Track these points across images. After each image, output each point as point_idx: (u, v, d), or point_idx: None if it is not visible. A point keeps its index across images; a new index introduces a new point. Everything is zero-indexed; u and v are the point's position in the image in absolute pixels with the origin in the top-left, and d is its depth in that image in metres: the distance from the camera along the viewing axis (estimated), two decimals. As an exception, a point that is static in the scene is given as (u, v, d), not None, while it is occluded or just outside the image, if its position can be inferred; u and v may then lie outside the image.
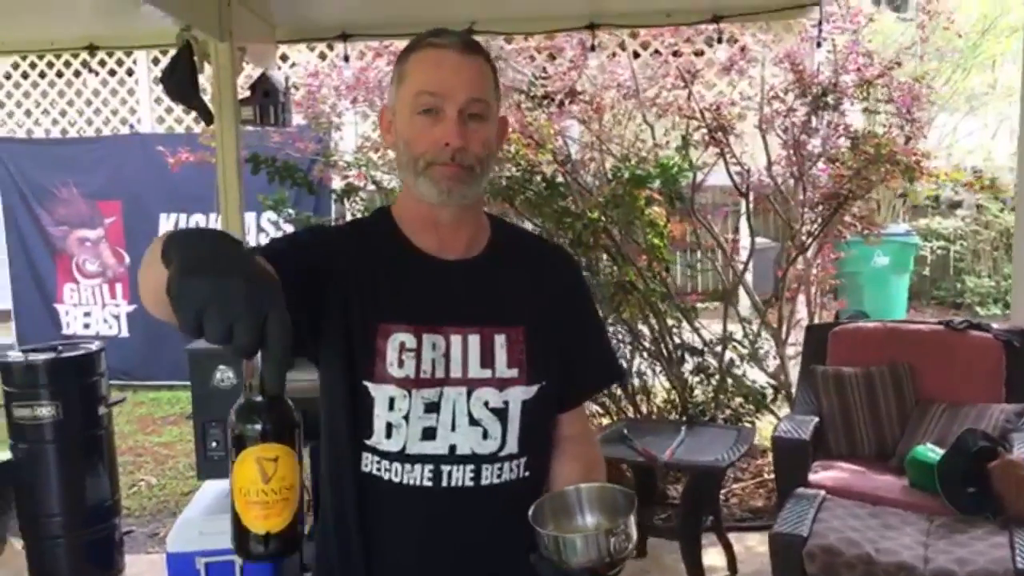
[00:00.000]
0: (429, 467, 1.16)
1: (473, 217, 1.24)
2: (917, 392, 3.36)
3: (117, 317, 6.87)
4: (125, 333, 6.79)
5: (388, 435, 1.16)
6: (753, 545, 3.56)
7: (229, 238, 0.85)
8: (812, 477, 3.08)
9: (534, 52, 5.20)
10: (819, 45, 4.07)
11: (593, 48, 4.07)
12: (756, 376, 4.40)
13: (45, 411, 3.12)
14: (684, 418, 4.04)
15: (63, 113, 6.89)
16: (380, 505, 1.18)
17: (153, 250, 0.91)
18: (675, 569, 3.26)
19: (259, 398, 0.89)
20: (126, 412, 5.71)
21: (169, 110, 6.78)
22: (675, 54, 5.19)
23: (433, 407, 1.16)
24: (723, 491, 3.89)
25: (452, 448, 1.16)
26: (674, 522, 3.28)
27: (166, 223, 6.68)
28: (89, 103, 6.83)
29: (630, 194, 4.02)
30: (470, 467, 1.17)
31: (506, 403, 1.18)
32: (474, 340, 1.18)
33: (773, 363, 4.48)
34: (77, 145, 6.79)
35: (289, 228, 6.06)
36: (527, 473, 1.21)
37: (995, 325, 3.49)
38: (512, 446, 1.19)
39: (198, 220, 6.60)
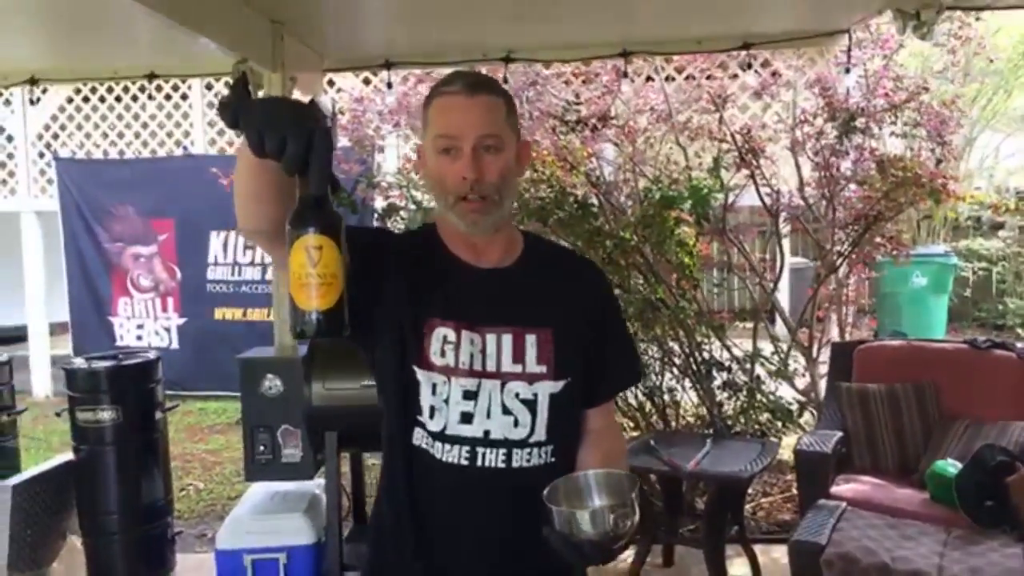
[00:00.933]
0: (466, 448, 1.33)
1: (504, 234, 1.41)
2: (940, 409, 3.43)
3: (168, 330, 7.16)
4: (175, 345, 7.08)
5: (431, 416, 1.33)
6: (778, 557, 3.62)
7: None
8: (834, 489, 3.16)
9: (570, 76, 5.37)
10: (848, 71, 4.17)
11: (626, 74, 4.22)
12: (785, 393, 4.47)
13: (106, 415, 3.33)
14: (711, 431, 4.13)
15: (121, 135, 7.23)
16: (426, 475, 1.34)
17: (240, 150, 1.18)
18: (700, 577, 3.36)
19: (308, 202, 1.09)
20: (175, 421, 5.94)
21: (221, 132, 7.07)
22: (708, 78, 5.32)
23: (471, 395, 1.33)
24: (750, 504, 3.97)
25: (487, 433, 1.33)
26: (700, 532, 3.38)
27: (216, 240, 6.98)
28: (145, 126, 7.16)
29: (660, 214, 4.15)
30: (502, 451, 1.33)
31: (535, 395, 1.35)
32: (507, 339, 1.35)
33: (803, 381, 4.55)
34: (133, 166, 7.13)
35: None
36: (553, 459, 1.36)
37: (1019, 345, 3.54)
38: (540, 434, 1.35)
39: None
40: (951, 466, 3.03)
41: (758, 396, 4.33)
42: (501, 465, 1.33)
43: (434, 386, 1.32)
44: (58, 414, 3.57)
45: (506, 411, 1.33)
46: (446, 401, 1.32)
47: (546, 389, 1.35)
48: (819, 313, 4.70)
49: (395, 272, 1.35)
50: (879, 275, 5.85)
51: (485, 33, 3.94)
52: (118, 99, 7.10)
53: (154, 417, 3.47)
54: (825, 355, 4.55)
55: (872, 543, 2.69)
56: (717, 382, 4.35)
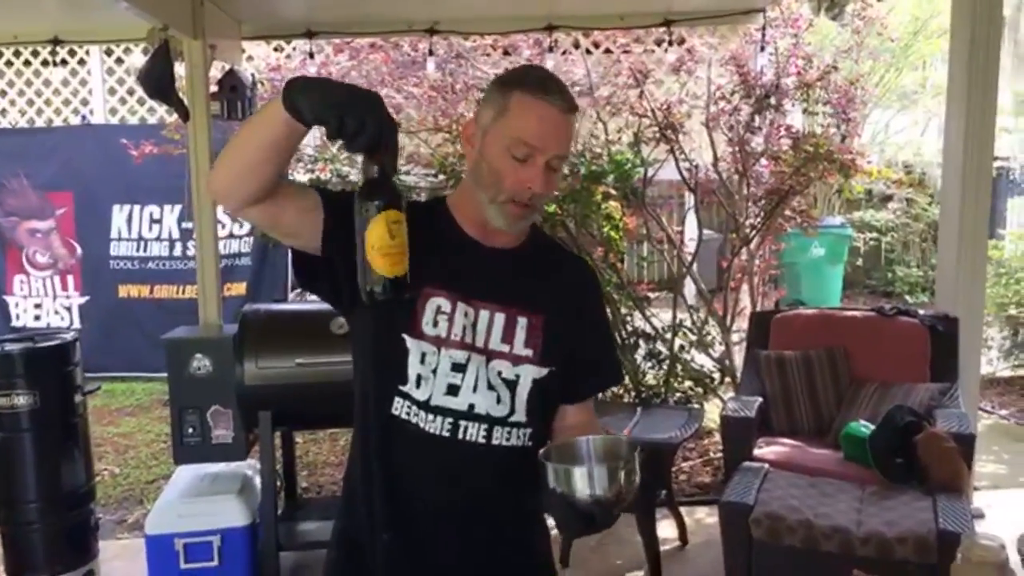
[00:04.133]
0: (449, 420, 1.34)
1: None
2: (851, 373, 3.64)
3: (69, 309, 6.82)
4: (77, 324, 6.75)
5: (418, 385, 1.33)
6: (702, 517, 3.80)
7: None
8: (757, 452, 3.32)
9: (490, 49, 5.36)
10: (762, 49, 4.33)
11: (551, 49, 4.25)
12: (703, 361, 4.65)
13: (22, 400, 3.16)
14: (638, 400, 4.26)
15: (12, 103, 6.80)
16: (404, 446, 1.35)
17: (265, 109, 1.21)
18: (631, 541, 3.48)
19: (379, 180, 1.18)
20: (96, 405, 5.70)
21: (123, 101, 6.74)
22: (625, 52, 5.40)
23: (460, 368, 1.34)
24: (672, 469, 4.12)
25: (471, 406, 1.34)
26: (630, 498, 3.49)
27: (119, 215, 6.66)
28: (39, 93, 6.75)
29: (587, 189, 4.22)
30: (484, 426, 1.35)
31: (517, 376, 1.37)
32: (500, 317, 1.37)
33: (719, 349, 4.74)
34: (27, 136, 6.72)
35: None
36: (531, 443, 1.37)
37: (921, 311, 3.78)
38: (520, 415, 1.37)
39: (152, 211, 6.60)
40: (863, 427, 3.23)
41: (679, 365, 4.49)
42: (482, 440, 1.34)
43: (423, 355, 1.33)
44: (-33, 401, 3.38)
45: (490, 387, 1.35)
46: (434, 371, 1.33)
47: (530, 373, 1.37)
48: (732, 284, 4.89)
49: None
50: (783, 246, 6.11)
51: (409, 5, 3.90)
52: (8, 64, 6.66)
53: (73, 400, 3.32)
54: (738, 324, 4.75)
55: (796, 501, 2.86)
56: (641, 352, 4.48)
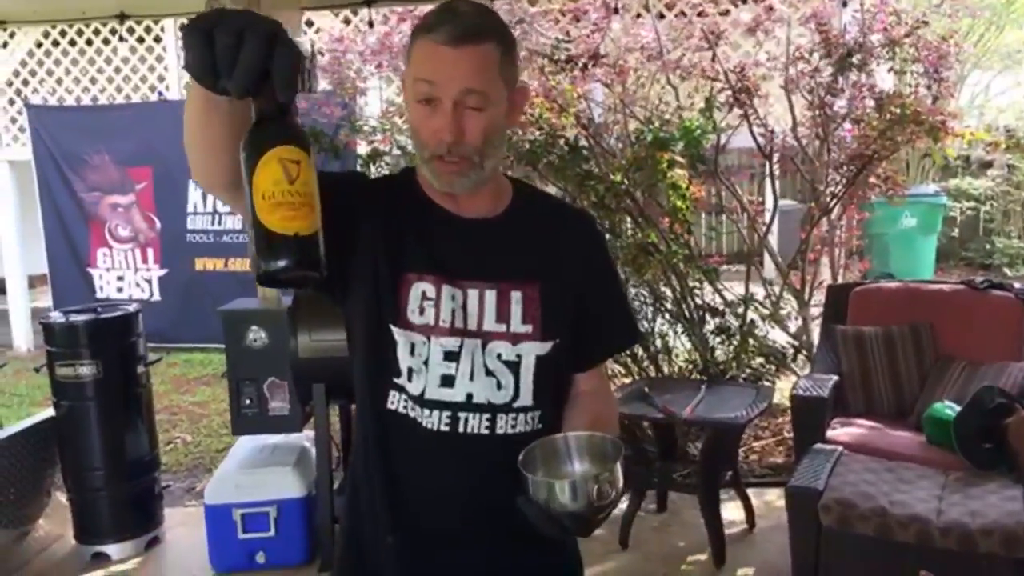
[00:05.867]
0: (447, 413, 1.22)
1: (489, 185, 1.27)
2: (937, 351, 3.39)
3: (149, 281, 7.03)
4: (157, 297, 6.96)
5: (410, 379, 1.22)
6: (771, 500, 3.63)
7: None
8: (830, 434, 3.13)
9: (558, 15, 5.19)
10: (845, 4, 4.04)
11: (617, 10, 4.07)
12: (777, 336, 4.44)
13: (86, 370, 3.24)
14: (704, 377, 4.09)
15: (93, 81, 6.97)
16: (402, 443, 1.24)
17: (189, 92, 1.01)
18: (694, 523, 3.35)
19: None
20: (160, 373, 5.87)
21: (196, 76, 6.83)
22: (700, 15, 5.15)
23: (453, 356, 1.22)
24: (742, 448, 3.96)
25: (469, 396, 1.22)
26: (694, 478, 3.36)
27: (194, 189, 6.81)
28: (118, 71, 6.90)
29: (653, 157, 4.04)
30: (486, 416, 1.23)
31: (519, 356, 1.24)
32: (490, 295, 1.24)
33: (795, 324, 4.51)
34: (107, 113, 6.90)
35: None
36: (540, 426, 1.26)
37: (1017, 285, 3.49)
38: (526, 398, 1.24)
39: (226, 185, 6.72)
40: (948, 408, 3.00)
41: (751, 340, 4.29)
42: (485, 431, 1.23)
43: (412, 346, 1.21)
44: (37, 369, 3.49)
45: (488, 373, 1.23)
46: (426, 363, 1.21)
47: (532, 350, 1.24)
48: (810, 255, 4.63)
49: (370, 219, 1.23)
50: (868, 216, 5.78)
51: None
52: (89, 42, 6.82)
53: (136, 371, 3.39)
54: (817, 298, 4.51)
55: (869, 487, 2.67)
56: (710, 327, 4.30)
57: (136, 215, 6.96)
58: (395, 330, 1.22)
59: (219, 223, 6.83)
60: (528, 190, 1.38)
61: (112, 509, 3.35)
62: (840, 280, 4.62)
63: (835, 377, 3.36)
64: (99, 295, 6.92)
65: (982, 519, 2.46)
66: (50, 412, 3.40)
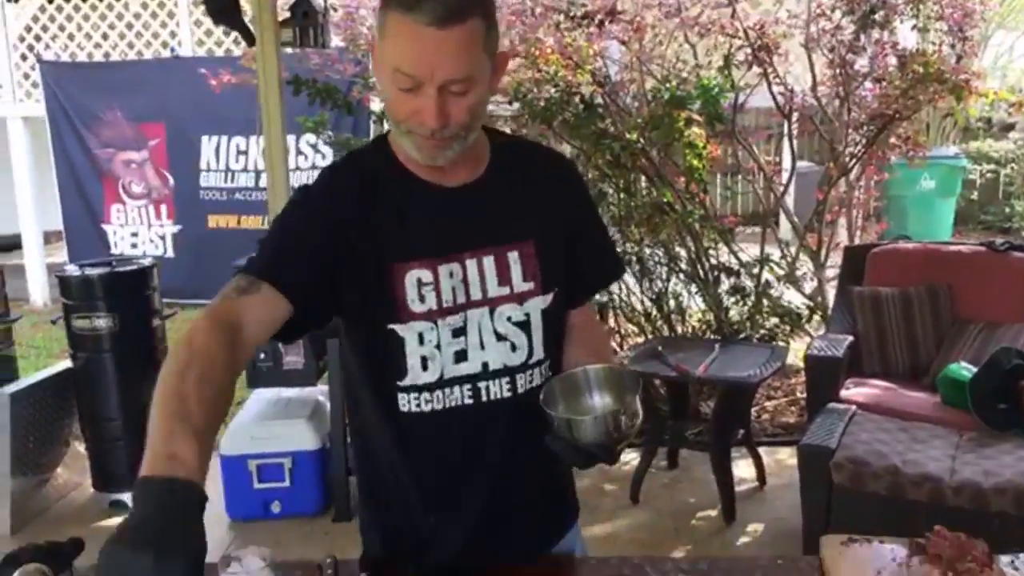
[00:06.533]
0: (467, 387, 1.21)
1: (471, 150, 1.19)
2: (954, 313, 3.36)
3: (163, 237, 7.05)
4: (171, 253, 6.97)
5: (424, 368, 1.19)
6: (783, 459, 3.64)
7: (181, 505, 0.87)
8: (843, 393, 3.12)
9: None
10: (869, -42, 3.94)
11: (635, -36, 3.99)
12: (793, 298, 4.41)
13: (102, 322, 3.26)
14: (718, 337, 4.08)
15: (105, 37, 6.94)
16: (426, 435, 1.23)
17: (153, 440, 0.94)
18: (705, 480, 3.37)
19: None
20: (175, 328, 5.86)
21: (209, 32, 6.78)
22: (719, -31, 5.05)
23: (460, 331, 1.20)
24: (755, 408, 3.96)
25: (485, 365, 1.21)
26: (706, 436, 3.36)
27: (207, 145, 6.79)
28: (130, 26, 6.86)
29: (669, 115, 3.99)
30: (505, 379, 1.22)
31: (527, 315, 1.23)
32: (489, 261, 1.21)
33: (810, 285, 4.48)
34: (120, 69, 6.87)
35: (328, 151, 6.11)
36: (551, 373, 1.27)
37: (1037, 246, 3.45)
38: (539, 353, 1.25)
39: (238, 143, 6.69)
40: (964, 369, 2.98)
41: (765, 301, 4.27)
42: (507, 394, 1.23)
43: (421, 336, 1.18)
44: (53, 321, 3.52)
45: (500, 338, 1.22)
46: (438, 347, 1.19)
47: (537, 305, 1.24)
48: (827, 217, 4.59)
49: (344, 232, 1.16)
50: (887, 178, 5.71)
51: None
52: (100, -3, 6.78)
53: (151, 324, 3.41)
54: (833, 260, 4.47)
55: (883, 446, 2.67)
56: (724, 287, 4.28)
57: (149, 171, 6.96)
58: (398, 327, 1.18)
59: (232, 180, 6.82)
60: (503, 141, 1.30)
61: (129, 459, 3.39)
62: (857, 242, 4.58)
63: (850, 338, 3.34)
64: (113, 251, 6.94)
65: (995, 478, 2.45)
66: (67, 363, 3.43)
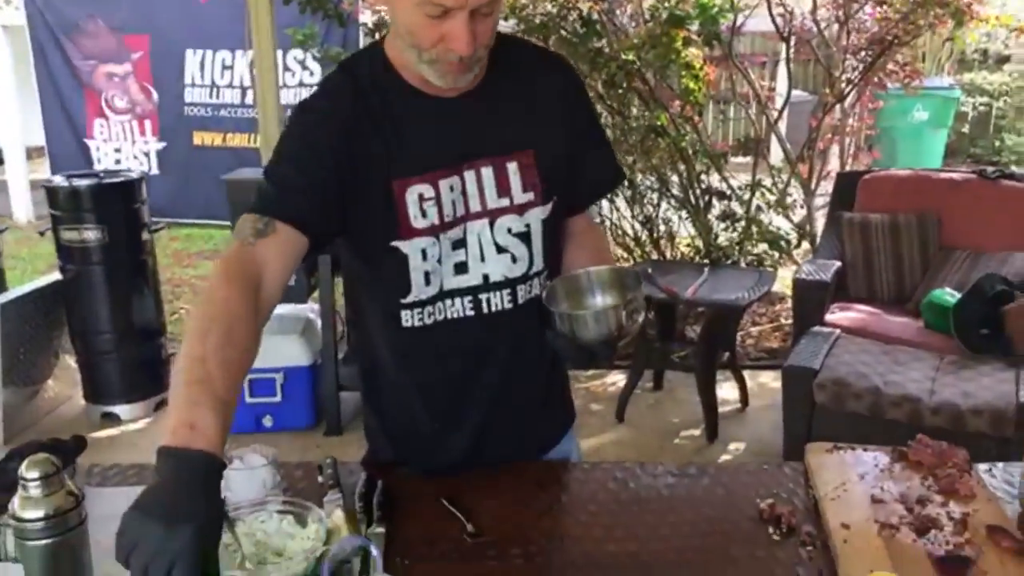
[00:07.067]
0: (468, 299, 1.22)
1: None
2: (942, 239, 3.39)
3: (147, 154, 6.92)
4: (155, 171, 6.86)
5: (427, 283, 1.20)
6: (766, 382, 3.71)
7: (196, 475, 0.89)
8: (829, 317, 3.17)
9: None
10: None
11: None
12: (782, 224, 4.43)
13: (91, 234, 3.24)
14: (707, 261, 4.11)
15: (84, -59, 6.68)
16: (428, 348, 1.25)
17: (175, 408, 0.95)
18: (689, 401, 3.44)
19: None
20: (161, 247, 5.84)
21: (192, -61, 6.54)
22: None
23: (460, 244, 1.21)
24: (740, 333, 4.01)
25: (486, 277, 1.22)
26: (691, 359, 3.42)
27: (192, 59, 6.61)
28: (111, -70, 6.60)
29: (667, 34, 3.92)
30: (507, 291, 1.23)
31: (527, 226, 1.23)
32: (487, 172, 1.20)
33: (800, 213, 4.49)
34: (100, -26, 6.63)
35: (316, 67, 5.98)
36: (549, 281, 1.27)
37: (1029, 174, 3.46)
38: (539, 263, 1.25)
39: (224, 57, 6.52)
40: (948, 295, 3.02)
41: (754, 228, 4.28)
42: (508, 306, 1.24)
43: (424, 252, 1.19)
44: (42, 233, 3.49)
45: (500, 250, 1.22)
46: (439, 260, 1.20)
47: (537, 216, 1.23)
48: (819, 145, 4.57)
49: (347, 148, 1.15)
50: (881, 105, 5.67)
51: None
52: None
53: (140, 237, 3.39)
54: (823, 188, 4.48)
55: (865, 368, 2.72)
56: (715, 212, 4.28)
57: (133, 85, 6.79)
58: (401, 244, 1.18)
59: (217, 96, 6.66)
60: (500, 44, 1.21)
61: (121, 371, 3.42)
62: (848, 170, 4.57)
63: (838, 263, 3.37)
64: (97, 167, 6.82)
65: (973, 400, 2.52)
66: (56, 276, 3.42)
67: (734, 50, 4.40)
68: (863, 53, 4.26)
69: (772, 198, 4.32)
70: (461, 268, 1.21)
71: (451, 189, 1.19)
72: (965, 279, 3.11)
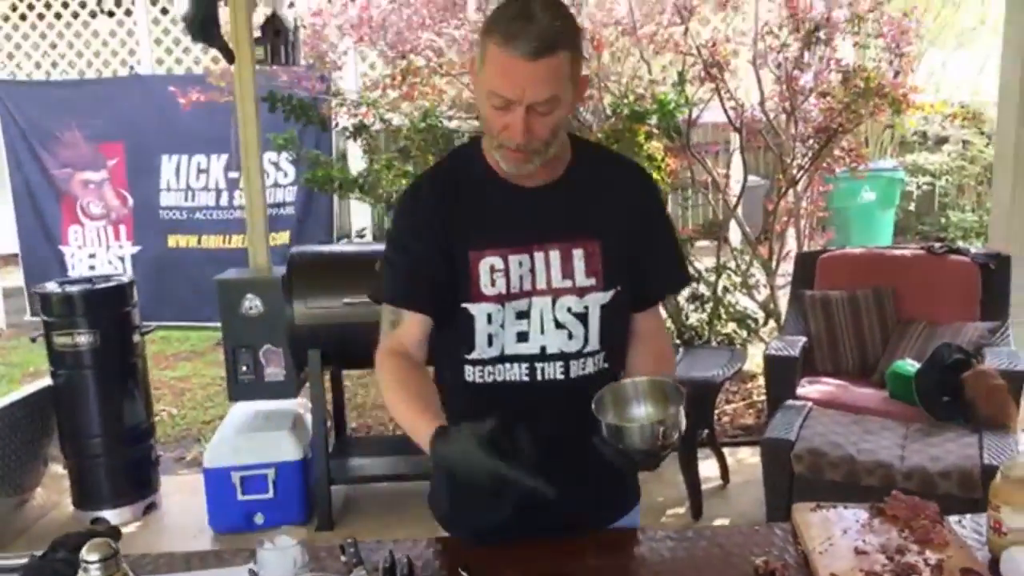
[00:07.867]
0: (525, 365, 1.39)
1: (550, 158, 1.37)
2: (899, 313, 3.59)
3: (122, 259, 6.98)
4: (130, 274, 6.91)
5: (490, 344, 1.38)
6: (744, 458, 3.83)
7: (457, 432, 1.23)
8: (800, 391, 3.32)
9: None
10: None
11: (592, -14, 4.17)
12: (748, 304, 4.63)
13: (83, 339, 3.31)
14: (680, 341, 4.27)
15: (62, 56, 6.92)
16: (485, 403, 1.38)
17: (414, 430, 1.31)
18: (673, 480, 3.52)
19: None
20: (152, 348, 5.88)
21: (168, 51, 6.81)
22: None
23: (523, 315, 1.38)
24: (715, 411, 4.14)
25: (543, 348, 1.38)
26: (672, 436, 3.52)
27: (167, 164, 6.77)
28: (88, 45, 6.85)
29: (630, 130, 4.18)
30: (560, 363, 1.39)
31: (586, 308, 1.39)
32: (555, 255, 1.38)
33: (763, 292, 4.70)
34: (78, 87, 6.83)
35: (290, 169, 6.18)
36: (606, 365, 1.42)
37: (972, 249, 3.71)
38: (594, 344, 1.40)
39: (199, 161, 6.69)
40: (910, 364, 3.19)
41: (722, 308, 4.47)
42: (560, 376, 1.39)
43: (489, 316, 1.37)
44: (33, 339, 3.54)
45: (559, 325, 1.38)
46: (502, 326, 1.37)
47: (596, 300, 1.39)
48: (778, 227, 4.82)
49: (439, 237, 1.38)
50: (831, 189, 5.99)
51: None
52: (58, 16, 6.76)
53: (132, 340, 3.46)
54: (784, 268, 4.71)
55: (838, 438, 2.86)
56: (685, 294, 4.47)
57: (108, 192, 6.91)
58: (471, 307, 1.36)
59: (192, 199, 6.80)
60: (584, 146, 1.50)
61: (110, 475, 3.44)
62: (806, 250, 4.82)
63: (804, 339, 3.54)
64: (71, 273, 6.87)
65: (941, 463, 2.66)
66: (46, 382, 3.46)
67: (691, 141, 4.68)
68: (811, 141, 4.56)
69: (737, 279, 4.53)
70: (522, 337, 1.38)
71: (520, 265, 1.37)
72: (923, 349, 3.30)
